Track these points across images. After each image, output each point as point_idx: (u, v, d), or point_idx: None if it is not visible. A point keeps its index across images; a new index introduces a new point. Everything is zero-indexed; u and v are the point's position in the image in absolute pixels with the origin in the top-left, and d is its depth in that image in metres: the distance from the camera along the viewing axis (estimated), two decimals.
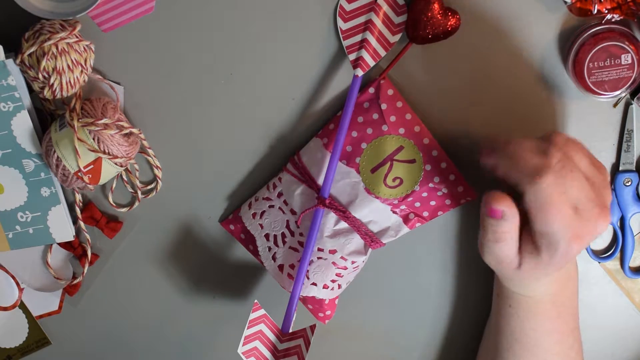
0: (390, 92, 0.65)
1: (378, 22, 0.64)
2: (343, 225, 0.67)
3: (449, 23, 0.63)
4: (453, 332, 0.74)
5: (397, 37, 0.64)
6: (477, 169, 0.67)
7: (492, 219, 0.58)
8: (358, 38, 0.64)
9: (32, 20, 0.62)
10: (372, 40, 0.64)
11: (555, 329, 0.64)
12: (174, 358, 0.76)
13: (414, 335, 0.74)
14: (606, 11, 0.62)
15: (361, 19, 0.64)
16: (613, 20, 0.62)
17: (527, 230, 0.58)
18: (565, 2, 0.63)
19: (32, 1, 0.62)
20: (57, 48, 0.61)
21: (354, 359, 0.75)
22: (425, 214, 0.67)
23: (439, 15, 0.62)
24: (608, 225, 0.58)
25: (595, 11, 0.62)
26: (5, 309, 0.72)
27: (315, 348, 0.75)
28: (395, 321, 0.74)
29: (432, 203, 0.67)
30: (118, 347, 0.76)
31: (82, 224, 0.70)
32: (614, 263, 0.70)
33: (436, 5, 0.62)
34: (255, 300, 0.64)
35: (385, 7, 0.64)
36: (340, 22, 0.64)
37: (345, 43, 0.64)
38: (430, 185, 0.66)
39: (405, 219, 0.67)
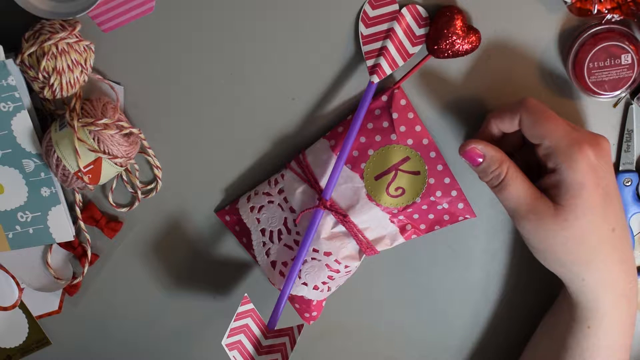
0: (402, 102, 0.65)
1: (400, 31, 0.64)
2: (341, 228, 0.67)
3: (469, 40, 0.63)
4: (452, 332, 0.74)
5: (417, 48, 0.64)
6: (480, 189, 0.67)
7: (477, 167, 0.61)
8: (378, 45, 0.64)
9: (32, 20, 0.62)
10: (392, 49, 0.64)
11: (627, 343, 0.64)
12: (174, 357, 0.76)
13: (413, 334, 0.74)
14: (606, 11, 0.62)
15: (383, 27, 0.64)
16: (613, 20, 0.62)
17: (539, 184, 0.61)
18: (565, 2, 0.63)
19: (32, 1, 0.62)
20: (57, 48, 0.61)
21: (353, 359, 0.75)
22: (423, 226, 0.68)
23: (460, 31, 0.62)
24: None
25: (595, 11, 0.62)
26: (5, 309, 0.72)
27: (314, 348, 0.75)
28: (395, 321, 0.74)
29: (431, 216, 0.67)
30: (118, 347, 0.76)
31: (82, 224, 0.70)
32: None
33: (459, 21, 0.62)
34: (245, 294, 0.64)
35: (408, 18, 0.64)
36: (362, 27, 0.64)
37: (365, 49, 0.64)
38: (432, 198, 0.66)
39: (402, 230, 0.67)
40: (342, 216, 0.66)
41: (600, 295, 0.61)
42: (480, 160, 0.61)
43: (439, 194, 0.66)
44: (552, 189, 0.60)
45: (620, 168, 0.67)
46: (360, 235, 0.67)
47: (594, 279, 0.61)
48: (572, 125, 0.60)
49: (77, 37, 0.62)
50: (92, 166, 0.63)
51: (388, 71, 0.64)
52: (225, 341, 0.62)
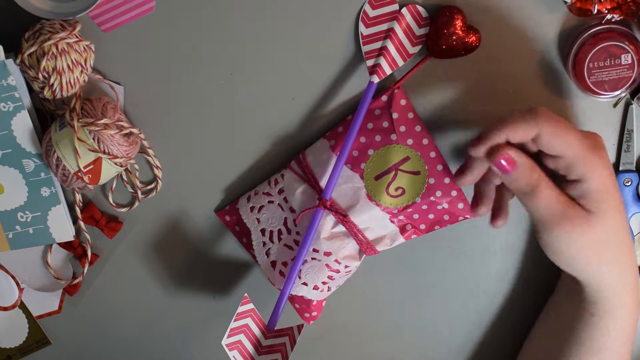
0: (402, 102, 0.65)
1: (400, 31, 0.64)
2: (341, 228, 0.67)
3: (469, 40, 0.63)
4: (452, 332, 0.74)
5: (417, 48, 0.64)
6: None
7: (509, 175, 0.58)
8: (378, 45, 0.64)
9: (32, 20, 0.62)
10: (392, 49, 0.64)
11: (632, 333, 0.64)
12: (174, 357, 0.76)
13: (413, 334, 0.74)
14: (606, 11, 0.62)
15: (383, 27, 0.64)
16: (613, 20, 0.62)
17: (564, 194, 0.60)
18: (565, 2, 0.63)
19: (32, 1, 0.62)
20: (57, 48, 0.61)
21: (353, 359, 0.75)
22: (422, 226, 0.68)
23: (460, 31, 0.62)
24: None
25: (595, 11, 0.62)
26: (5, 309, 0.72)
27: (314, 348, 0.75)
28: (395, 321, 0.74)
29: (431, 216, 0.67)
30: (118, 347, 0.76)
31: (82, 224, 0.70)
32: None
33: (459, 21, 0.62)
34: (245, 294, 0.64)
35: (408, 18, 0.64)
36: (362, 28, 0.64)
37: (365, 49, 0.64)
38: (432, 198, 0.66)
39: (402, 230, 0.67)
40: (342, 216, 0.66)
41: (617, 291, 0.62)
42: (514, 168, 0.58)
43: (439, 194, 0.66)
44: (580, 198, 0.59)
45: (620, 168, 0.67)
46: (360, 235, 0.67)
47: (613, 276, 0.61)
48: (580, 131, 0.59)
49: (77, 37, 0.63)
50: (92, 166, 0.63)
51: (388, 71, 0.64)
52: (225, 341, 0.62)
